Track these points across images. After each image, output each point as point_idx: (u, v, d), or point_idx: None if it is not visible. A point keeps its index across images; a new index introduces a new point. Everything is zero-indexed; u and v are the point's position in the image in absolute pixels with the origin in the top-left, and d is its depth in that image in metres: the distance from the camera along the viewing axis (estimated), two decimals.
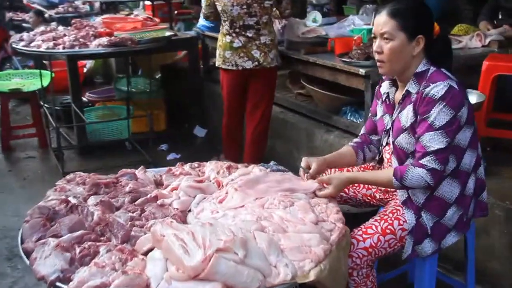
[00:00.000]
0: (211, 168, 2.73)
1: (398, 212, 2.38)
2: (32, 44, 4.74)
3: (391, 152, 2.46)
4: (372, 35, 2.40)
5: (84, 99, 6.35)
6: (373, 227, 2.33)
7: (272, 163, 2.76)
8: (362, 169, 2.76)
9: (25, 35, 5.01)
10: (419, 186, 2.28)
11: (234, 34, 4.31)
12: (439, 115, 2.21)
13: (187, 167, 2.78)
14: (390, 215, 2.38)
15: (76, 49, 4.60)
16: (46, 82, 5.34)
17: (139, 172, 2.73)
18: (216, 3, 4.33)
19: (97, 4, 8.74)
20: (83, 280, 1.79)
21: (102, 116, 5.96)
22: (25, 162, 5.48)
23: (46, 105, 5.59)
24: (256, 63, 4.30)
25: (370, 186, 2.69)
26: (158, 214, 2.28)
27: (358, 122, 4.18)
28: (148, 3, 7.61)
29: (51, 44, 4.62)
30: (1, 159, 5.58)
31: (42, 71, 5.41)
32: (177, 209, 2.33)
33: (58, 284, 1.83)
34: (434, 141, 2.22)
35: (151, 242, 1.98)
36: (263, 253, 1.88)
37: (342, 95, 4.42)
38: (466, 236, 2.55)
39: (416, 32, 2.29)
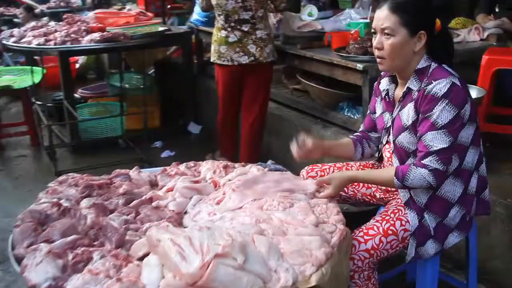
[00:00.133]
0: (207, 167, 2.67)
1: (400, 212, 2.32)
2: (23, 40, 4.65)
3: (392, 151, 2.40)
4: (372, 30, 2.33)
5: (76, 95, 6.27)
6: (375, 228, 2.26)
7: (269, 162, 2.72)
8: (362, 167, 2.70)
9: (15, 31, 4.91)
10: (421, 187, 2.22)
11: (229, 29, 4.24)
12: (442, 113, 2.14)
13: (182, 167, 2.71)
14: (392, 215, 2.32)
15: (68, 45, 4.51)
16: (37, 78, 5.25)
17: (133, 172, 2.66)
18: None
19: None
20: None
21: (95, 113, 5.88)
22: (17, 161, 5.39)
23: (37, 102, 5.50)
24: (252, 58, 4.23)
25: (369, 185, 2.64)
26: (154, 216, 2.21)
27: (355, 118, 4.12)
28: None
29: (42, 40, 4.53)
30: None
31: (34, 67, 5.32)
32: (173, 211, 2.27)
33: None
34: (436, 141, 2.15)
35: (147, 246, 1.91)
36: (262, 257, 1.82)
37: (339, 91, 4.35)
38: (468, 235, 2.49)
39: (418, 28, 2.22)
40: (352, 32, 4.15)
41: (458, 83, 2.17)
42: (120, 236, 2.03)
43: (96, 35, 4.51)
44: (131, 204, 2.31)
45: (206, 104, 5.74)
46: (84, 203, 2.31)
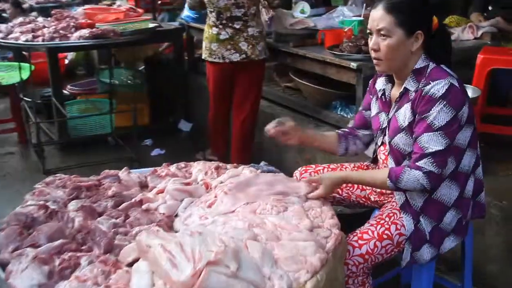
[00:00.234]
0: (198, 168, 2.61)
1: (395, 216, 2.27)
2: (10, 36, 4.55)
3: (387, 152, 2.35)
4: (368, 31, 2.27)
5: (65, 91, 6.17)
6: (369, 232, 2.22)
7: (262, 163, 2.67)
8: (356, 169, 2.65)
9: (2, 26, 4.81)
10: (414, 189, 2.17)
11: (220, 26, 4.17)
12: (439, 114, 2.09)
13: (173, 167, 2.65)
14: (387, 219, 2.27)
15: (56, 41, 4.42)
16: (25, 75, 5.16)
17: (122, 173, 2.60)
18: None
19: None
20: None
21: (84, 110, 5.78)
22: (4, 158, 5.29)
23: (25, 98, 5.40)
24: (244, 55, 4.17)
25: (364, 187, 2.58)
26: (143, 220, 2.16)
27: (348, 117, 4.07)
28: None
29: (30, 36, 4.44)
30: None
31: (22, 63, 5.22)
32: (164, 214, 2.21)
33: None
34: (432, 142, 2.10)
35: (136, 252, 1.86)
36: (256, 264, 1.76)
37: (331, 89, 4.30)
38: (463, 239, 2.45)
39: (414, 28, 2.16)
40: (345, 30, 4.10)
41: (457, 84, 2.12)
42: (109, 241, 1.98)
43: (85, 32, 4.42)
44: (120, 207, 2.25)
45: (197, 102, 5.67)
46: (72, 205, 2.25)
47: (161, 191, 2.38)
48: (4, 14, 8.65)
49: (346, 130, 2.65)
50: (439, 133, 2.10)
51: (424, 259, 2.24)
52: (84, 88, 6.58)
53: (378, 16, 2.18)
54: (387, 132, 2.34)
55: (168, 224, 2.15)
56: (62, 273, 1.80)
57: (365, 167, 2.65)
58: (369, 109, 2.53)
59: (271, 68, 5.16)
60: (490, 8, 5.10)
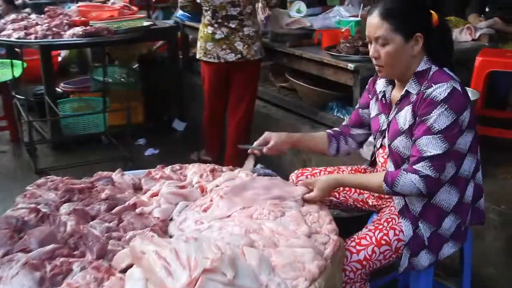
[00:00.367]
0: (193, 171, 2.56)
1: (394, 221, 2.23)
2: (2, 33, 4.48)
3: (386, 155, 2.31)
4: (367, 38, 2.22)
5: (58, 89, 6.11)
6: (367, 237, 2.17)
7: (258, 166, 2.61)
8: (353, 172, 2.61)
9: None
10: (410, 194, 2.13)
11: (216, 25, 4.13)
12: (439, 118, 2.05)
13: (168, 170, 2.60)
14: (385, 224, 2.23)
15: (49, 39, 4.35)
16: (17, 72, 5.09)
17: (116, 175, 2.54)
18: None
19: None
20: None
21: (77, 109, 5.71)
22: None
23: (18, 96, 5.33)
24: (239, 55, 4.12)
25: (362, 191, 2.54)
26: (137, 224, 2.10)
27: (345, 118, 4.03)
28: None
29: (22, 33, 4.37)
30: None
31: (14, 61, 5.16)
32: (158, 218, 2.16)
33: None
34: (431, 146, 2.06)
35: (130, 257, 1.81)
36: (253, 271, 1.71)
37: (328, 90, 4.26)
38: (462, 245, 2.41)
39: (412, 31, 2.12)
40: (342, 30, 4.06)
41: (459, 88, 2.08)
42: (102, 246, 1.92)
43: (78, 29, 4.36)
44: (113, 211, 2.19)
45: (192, 101, 5.63)
46: (64, 208, 2.19)
47: (155, 194, 2.33)
48: None
49: (337, 129, 2.60)
50: (438, 137, 2.06)
51: (422, 265, 2.20)
52: (77, 86, 6.50)
53: (374, 24, 2.14)
54: (386, 135, 2.30)
55: (163, 229, 2.10)
56: (53, 279, 1.74)
57: (362, 171, 2.60)
58: (366, 107, 2.49)
59: (267, 68, 5.12)
60: (487, 9, 5.08)
